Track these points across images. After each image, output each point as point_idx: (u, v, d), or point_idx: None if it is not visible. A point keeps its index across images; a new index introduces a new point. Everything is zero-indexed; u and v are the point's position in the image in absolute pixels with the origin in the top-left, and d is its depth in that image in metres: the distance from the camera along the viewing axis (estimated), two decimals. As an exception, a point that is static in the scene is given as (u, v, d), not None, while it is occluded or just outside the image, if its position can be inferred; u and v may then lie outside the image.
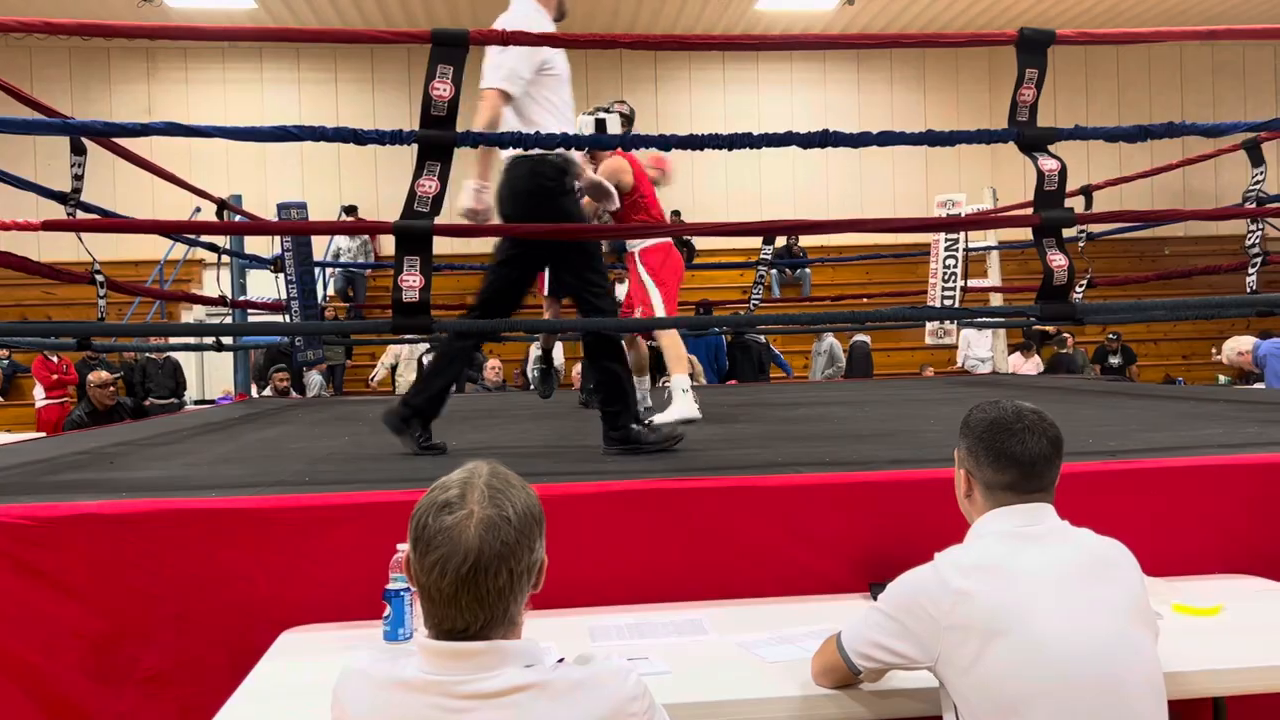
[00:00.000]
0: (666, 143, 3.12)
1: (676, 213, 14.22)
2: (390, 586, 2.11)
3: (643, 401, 4.69)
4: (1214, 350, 13.24)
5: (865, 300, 10.34)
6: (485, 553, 1.31)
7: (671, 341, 4.49)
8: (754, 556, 2.48)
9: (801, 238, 13.12)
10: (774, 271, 13.23)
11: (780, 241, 12.71)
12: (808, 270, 13.37)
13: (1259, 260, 4.80)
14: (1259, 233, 4.95)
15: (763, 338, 10.01)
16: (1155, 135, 3.08)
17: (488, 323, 3.37)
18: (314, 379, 9.72)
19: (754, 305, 7.98)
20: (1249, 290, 4.96)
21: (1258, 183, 4.89)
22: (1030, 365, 10.75)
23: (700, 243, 14.11)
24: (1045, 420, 1.76)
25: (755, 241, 8.50)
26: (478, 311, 3.36)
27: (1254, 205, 4.95)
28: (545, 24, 3.22)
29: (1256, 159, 4.90)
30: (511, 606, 1.33)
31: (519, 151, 3.18)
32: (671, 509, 2.48)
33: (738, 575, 2.47)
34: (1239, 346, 6.75)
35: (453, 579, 1.30)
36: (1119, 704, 1.56)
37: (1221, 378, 12.02)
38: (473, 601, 1.31)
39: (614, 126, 4.29)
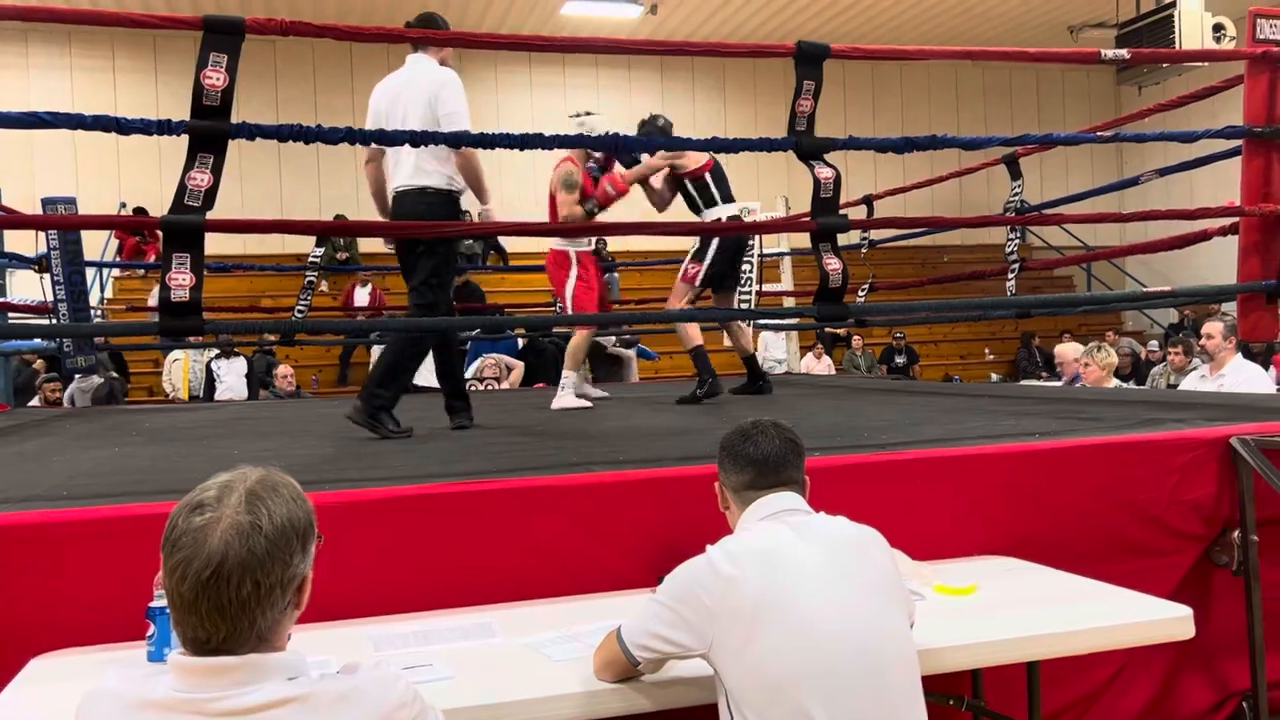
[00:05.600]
0: (458, 140, 3.08)
1: (466, 211, 14.09)
2: (154, 604, 1.98)
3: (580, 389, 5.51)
4: (987, 350, 14.33)
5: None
6: (229, 560, 1.24)
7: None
8: (547, 557, 2.48)
9: (609, 242, 13.30)
10: (582, 275, 13.31)
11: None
12: (615, 274, 13.55)
13: (1017, 266, 5.23)
14: (1017, 241, 5.39)
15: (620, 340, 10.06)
16: (919, 147, 3.29)
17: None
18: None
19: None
20: (1009, 294, 5.39)
21: (1016, 194, 5.32)
22: (822, 366, 11.27)
23: (509, 244, 14.09)
24: (781, 427, 1.93)
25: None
26: None
27: (1012, 215, 5.39)
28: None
29: (1015, 173, 5.32)
30: (260, 620, 1.27)
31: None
32: (460, 512, 2.44)
33: (530, 576, 2.45)
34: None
35: (192, 584, 1.24)
36: (878, 681, 1.66)
37: (993, 375, 13.01)
38: (213, 610, 1.24)
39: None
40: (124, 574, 2.13)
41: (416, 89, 3.85)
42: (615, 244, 13.50)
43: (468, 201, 4.13)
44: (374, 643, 2.10)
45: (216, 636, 1.25)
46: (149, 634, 1.98)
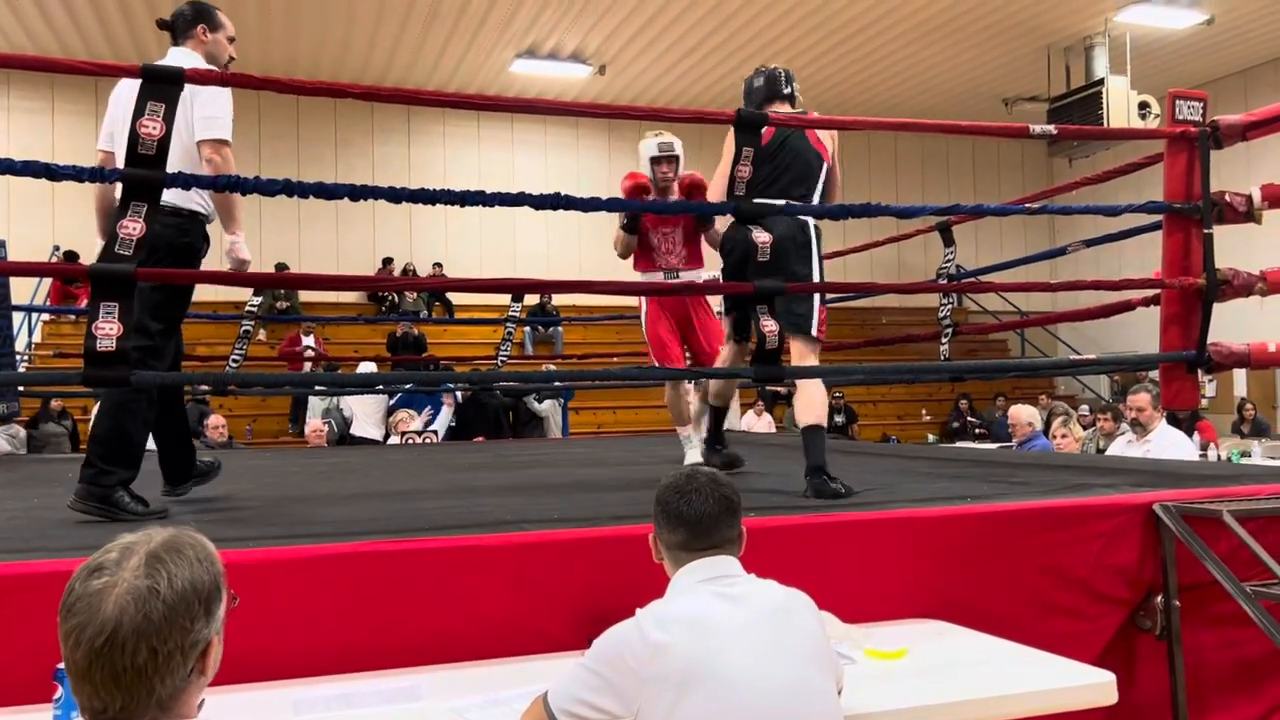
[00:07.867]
0: (398, 195, 3.06)
1: (438, 264, 14.07)
2: (61, 665, 1.90)
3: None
4: (924, 411, 14.55)
5: (615, 359, 10.59)
6: (123, 626, 1.19)
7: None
8: (477, 618, 2.44)
9: (554, 296, 13.32)
10: (527, 329, 13.35)
11: (533, 299, 12.85)
12: (559, 328, 13.58)
13: (950, 331, 5.33)
14: (949, 306, 5.50)
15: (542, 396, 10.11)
16: (854, 214, 3.36)
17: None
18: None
19: (502, 362, 7.99)
20: (942, 358, 5.49)
21: (949, 260, 5.45)
22: (763, 424, 11.35)
23: (455, 298, 14.04)
24: (718, 483, 1.89)
25: (509, 298, 8.55)
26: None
27: (945, 281, 5.51)
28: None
29: (947, 240, 5.46)
30: (159, 689, 1.21)
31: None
32: (389, 571, 2.39)
33: (459, 638, 2.41)
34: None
35: (86, 652, 1.19)
36: (803, 747, 1.65)
37: (930, 436, 13.18)
38: (107, 679, 1.19)
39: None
40: (33, 633, 2.05)
41: None
42: (560, 299, 13.53)
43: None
44: (295, 706, 2.04)
45: (113, 706, 1.20)
46: (56, 696, 1.90)
